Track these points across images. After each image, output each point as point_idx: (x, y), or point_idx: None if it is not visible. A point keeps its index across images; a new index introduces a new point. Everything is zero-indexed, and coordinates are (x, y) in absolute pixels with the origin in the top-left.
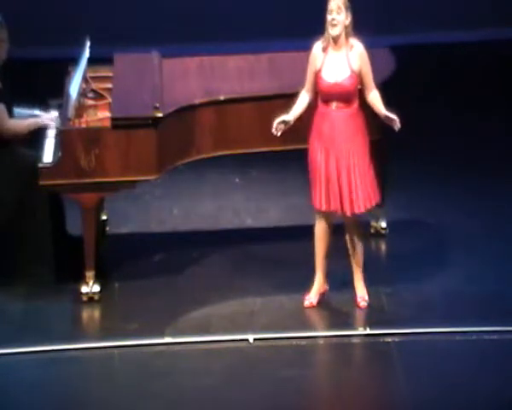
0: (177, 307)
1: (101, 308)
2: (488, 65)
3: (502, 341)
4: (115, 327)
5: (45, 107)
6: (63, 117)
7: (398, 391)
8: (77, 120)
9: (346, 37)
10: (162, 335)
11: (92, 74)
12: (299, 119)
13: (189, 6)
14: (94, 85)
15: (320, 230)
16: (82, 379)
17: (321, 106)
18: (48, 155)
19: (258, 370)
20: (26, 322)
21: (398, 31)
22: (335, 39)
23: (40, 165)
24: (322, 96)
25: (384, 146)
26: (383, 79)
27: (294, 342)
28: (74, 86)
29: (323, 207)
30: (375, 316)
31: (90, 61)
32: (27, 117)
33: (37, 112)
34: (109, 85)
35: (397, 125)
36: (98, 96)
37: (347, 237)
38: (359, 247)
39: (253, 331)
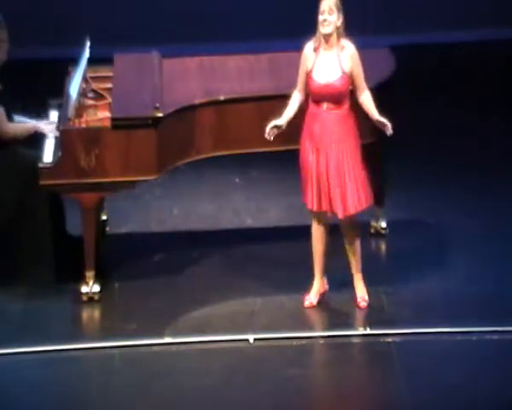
0: (177, 307)
1: (101, 308)
2: (488, 65)
3: (502, 341)
4: (115, 327)
5: (45, 110)
6: (63, 117)
7: (398, 391)
8: (77, 120)
9: (338, 38)
10: (162, 335)
11: (92, 74)
12: (298, 118)
13: (189, 6)
14: (94, 85)
15: (316, 230)
16: (82, 379)
17: (312, 106)
18: (48, 155)
19: (258, 370)
20: (26, 322)
21: (398, 31)
22: (327, 39)
23: (40, 165)
24: (313, 96)
25: (378, 148)
26: (383, 79)
27: (294, 342)
28: (74, 86)
29: (315, 208)
30: (375, 316)
31: (90, 61)
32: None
33: (34, 122)
34: (109, 85)
35: (389, 130)
36: (98, 96)
37: (344, 238)
38: (356, 247)
39: (253, 331)
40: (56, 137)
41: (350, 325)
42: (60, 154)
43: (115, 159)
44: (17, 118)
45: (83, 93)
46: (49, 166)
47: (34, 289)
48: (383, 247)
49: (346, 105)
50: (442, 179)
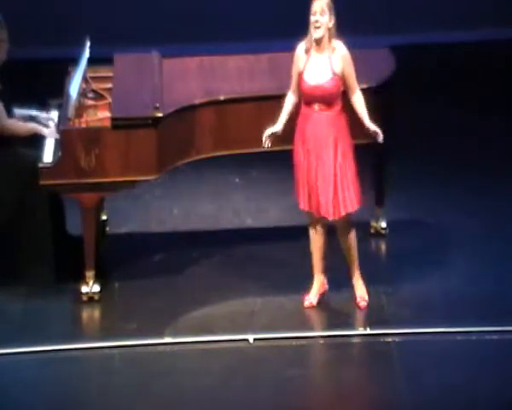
0: (177, 307)
1: (101, 308)
2: (488, 65)
3: (502, 341)
4: (115, 327)
5: (44, 107)
6: (63, 117)
7: (398, 391)
8: (77, 120)
9: (329, 39)
10: (162, 335)
11: (92, 74)
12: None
13: (189, 6)
14: (94, 85)
15: (314, 230)
16: (82, 379)
17: (304, 107)
18: (48, 155)
19: (258, 370)
20: (26, 322)
21: (398, 31)
22: (318, 42)
23: (40, 165)
24: (305, 97)
25: (379, 148)
26: (383, 79)
27: (294, 342)
28: (74, 86)
29: (306, 208)
30: (375, 316)
31: (90, 61)
32: (26, 117)
33: (34, 113)
34: (109, 85)
35: (380, 138)
36: (98, 96)
37: (339, 237)
38: (352, 246)
39: (253, 331)
40: (56, 139)
41: (350, 325)
42: (60, 154)
43: (115, 159)
44: (17, 111)
45: (83, 93)
46: (49, 166)
47: (34, 289)
48: (383, 247)
49: (338, 106)
50: (442, 179)
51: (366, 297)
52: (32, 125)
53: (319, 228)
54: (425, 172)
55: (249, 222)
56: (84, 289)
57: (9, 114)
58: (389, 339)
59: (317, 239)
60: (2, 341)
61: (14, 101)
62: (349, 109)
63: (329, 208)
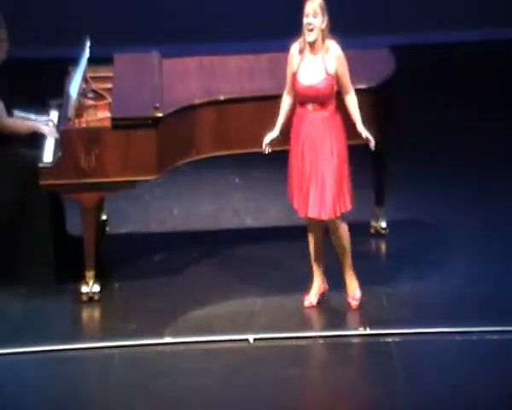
0: (177, 307)
1: (101, 308)
2: (488, 65)
3: (502, 341)
4: (115, 327)
5: (44, 108)
6: (63, 117)
7: (398, 391)
8: (77, 120)
9: (323, 39)
10: (162, 335)
11: (92, 74)
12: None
13: (189, 6)
14: (94, 85)
15: (312, 230)
16: (82, 379)
17: (298, 108)
18: (48, 155)
19: (258, 370)
20: (26, 322)
21: (398, 31)
22: (311, 44)
23: (40, 165)
24: (299, 98)
25: (379, 148)
26: (383, 79)
27: (294, 342)
28: (74, 86)
29: (296, 206)
30: (375, 316)
31: (90, 61)
32: (26, 119)
33: (33, 117)
34: (109, 85)
35: (371, 144)
36: (98, 96)
37: (331, 236)
38: (345, 246)
39: (253, 331)
40: (56, 139)
41: (350, 325)
42: (60, 154)
43: (115, 159)
44: (17, 113)
45: (83, 93)
46: (49, 166)
47: (34, 289)
48: (383, 247)
49: (332, 106)
50: (442, 179)
51: (357, 297)
52: (31, 123)
53: (318, 228)
54: (425, 172)
55: (249, 222)
56: (84, 289)
57: (9, 113)
58: (389, 339)
59: (315, 239)
60: (2, 341)
61: (14, 101)
62: (345, 109)
63: (324, 208)
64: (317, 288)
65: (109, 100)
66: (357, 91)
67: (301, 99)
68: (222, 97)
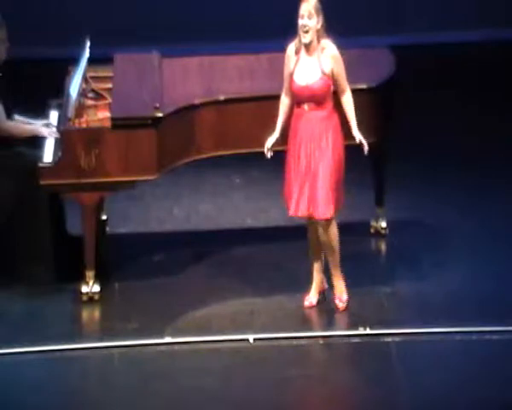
0: (177, 307)
1: (101, 308)
2: (488, 65)
3: (502, 341)
4: (115, 327)
5: (44, 112)
6: (63, 117)
7: (398, 391)
8: (77, 120)
9: (318, 39)
10: (162, 335)
11: (92, 74)
12: None
13: (189, 6)
14: (94, 85)
15: (311, 230)
16: (82, 379)
17: (295, 108)
18: (48, 155)
19: (258, 370)
20: (26, 322)
21: (398, 31)
22: (307, 46)
23: (40, 165)
24: (295, 98)
25: (379, 148)
26: (383, 79)
27: (294, 342)
28: (74, 86)
29: (289, 205)
30: (375, 316)
31: (90, 61)
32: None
33: (37, 122)
34: (109, 85)
35: (365, 149)
36: (98, 96)
37: (322, 237)
38: (335, 245)
39: (253, 331)
40: (56, 139)
41: (350, 325)
42: (60, 154)
43: (115, 159)
44: (17, 117)
45: (83, 93)
46: (49, 166)
47: (34, 289)
48: (383, 247)
49: (329, 106)
50: (442, 179)
51: (344, 299)
52: (31, 128)
53: (317, 227)
54: (425, 172)
55: (249, 222)
56: (84, 289)
57: (9, 116)
58: (389, 339)
59: (314, 238)
60: (2, 341)
61: (15, 101)
62: (342, 109)
63: (317, 208)
64: (317, 287)
65: (109, 100)
66: (357, 91)
67: (298, 99)
68: (222, 97)
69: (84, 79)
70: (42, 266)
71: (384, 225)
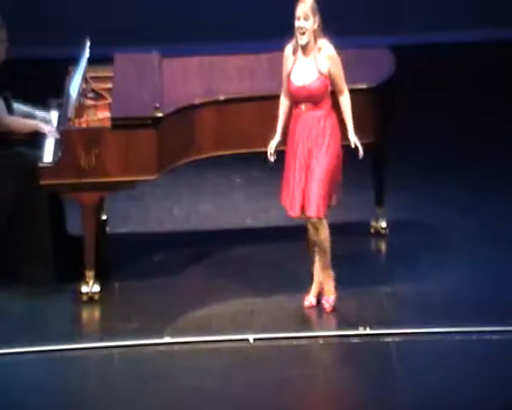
0: (177, 307)
1: (101, 308)
2: (488, 65)
3: (502, 341)
4: (115, 327)
5: (45, 107)
6: (63, 117)
7: (398, 391)
8: (77, 120)
9: (315, 39)
10: (162, 335)
11: (92, 74)
12: None
13: (189, 6)
14: (94, 85)
15: (311, 230)
16: (82, 379)
17: (293, 108)
18: (48, 155)
19: (258, 370)
20: (26, 322)
21: (398, 31)
22: (304, 47)
23: (40, 165)
24: (293, 98)
25: (379, 148)
26: (383, 79)
27: (294, 342)
28: (74, 86)
29: (283, 202)
30: (375, 316)
31: (90, 61)
32: (27, 114)
33: (37, 112)
34: (109, 85)
35: (360, 153)
36: (98, 96)
37: (313, 236)
38: (325, 247)
39: (253, 331)
40: (56, 139)
41: (350, 325)
42: (60, 154)
43: (115, 159)
44: (17, 105)
45: (83, 93)
46: (49, 165)
47: (34, 289)
48: (383, 247)
49: (326, 106)
50: (442, 179)
51: (331, 300)
52: (32, 123)
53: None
54: (425, 172)
55: (249, 222)
56: (84, 289)
57: (9, 110)
58: (389, 339)
59: (313, 239)
60: (2, 341)
61: (15, 101)
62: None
63: (309, 206)
64: (317, 288)
65: (109, 100)
66: (357, 91)
67: (295, 100)
68: (222, 97)
69: (84, 79)
70: (42, 266)
71: (384, 225)
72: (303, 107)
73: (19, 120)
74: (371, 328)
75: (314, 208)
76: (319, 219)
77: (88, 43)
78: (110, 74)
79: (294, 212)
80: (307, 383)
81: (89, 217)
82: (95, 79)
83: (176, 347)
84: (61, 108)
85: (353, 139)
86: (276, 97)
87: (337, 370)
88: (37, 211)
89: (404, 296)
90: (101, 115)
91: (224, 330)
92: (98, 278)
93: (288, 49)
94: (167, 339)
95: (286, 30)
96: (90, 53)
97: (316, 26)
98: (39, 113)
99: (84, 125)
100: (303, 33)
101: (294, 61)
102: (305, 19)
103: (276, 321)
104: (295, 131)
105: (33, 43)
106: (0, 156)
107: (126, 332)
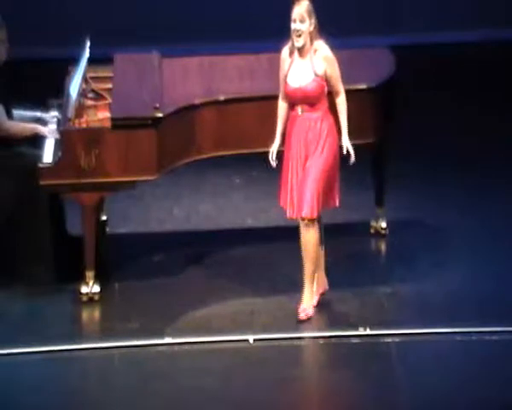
0: (177, 307)
1: (101, 308)
2: (488, 65)
3: (502, 341)
4: (115, 327)
5: (45, 108)
6: (63, 117)
7: (398, 391)
8: (77, 120)
9: (311, 41)
10: (162, 335)
11: (92, 74)
12: None
13: (189, 6)
14: (94, 85)
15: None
16: (82, 379)
17: (290, 110)
18: (48, 155)
19: (258, 370)
20: (26, 322)
21: (398, 31)
22: (300, 49)
23: (40, 165)
24: (289, 100)
25: (379, 148)
26: (383, 79)
27: (294, 342)
28: (74, 86)
29: (281, 204)
30: (375, 316)
31: (90, 61)
32: (28, 120)
33: (38, 113)
34: (109, 86)
35: (351, 159)
36: (98, 96)
37: (303, 239)
38: (311, 252)
39: (253, 331)
40: (56, 139)
41: (350, 325)
42: (60, 154)
43: (115, 159)
44: (16, 112)
45: (83, 93)
46: (49, 166)
47: (34, 289)
48: (383, 247)
49: (323, 108)
50: (442, 179)
51: (309, 312)
52: (31, 126)
53: (316, 228)
54: (425, 172)
55: (249, 222)
56: (84, 289)
57: (9, 115)
58: (389, 339)
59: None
60: (2, 341)
61: (15, 101)
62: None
63: (302, 207)
64: (317, 288)
65: (109, 100)
66: (357, 91)
67: (291, 101)
68: (222, 97)
69: (84, 79)
70: (42, 266)
71: (384, 225)
72: (299, 109)
73: (18, 124)
74: (371, 328)
75: (307, 209)
76: (311, 220)
77: (88, 43)
78: (110, 74)
79: (291, 213)
80: (307, 383)
81: (89, 217)
82: (95, 79)
83: (176, 347)
84: (61, 108)
85: (346, 144)
86: (276, 97)
87: (337, 370)
88: (37, 211)
89: (404, 296)
90: (101, 115)
91: (223, 331)
92: (98, 279)
93: (285, 51)
94: (167, 339)
95: (286, 30)
96: (90, 53)
97: (312, 28)
98: (44, 114)
99: (84, 126)
100: (299, 35)
101: (291, 63)
102: (301, 21)
103: (276, 321)
104: (292, 133)
105: (33, 43)
106: (0, 156)
107: (126, 332)
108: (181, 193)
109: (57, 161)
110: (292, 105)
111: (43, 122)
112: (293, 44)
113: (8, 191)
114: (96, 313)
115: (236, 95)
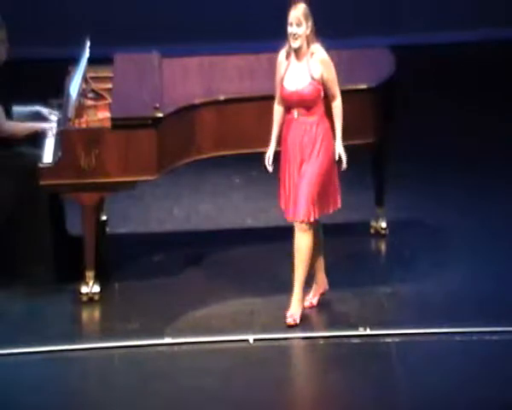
0: (177, 307)
1: (101, 308)
2: (488, 65)
3: (502, 341)
4: (115, 327)
5: (45, 104)
6: (63, 117)
7: (398, 391)
8: (77, 120)
9: (308, 45)
10: (162, 335)
11: (92, 74)
12: None
13: (189, 6)
14: (94, 85)
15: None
16: (82, 379)
17: (286, 114)
18: (48, 155)
19: (258, 370)
20: (26, 322)
21: (398, 31)
22: (297, 51)
23: (40, 165)
24: (285, 103)
25: (379, 148)
26: (383, 79)
27: (294, 342)
28: (74, 86)
29: (281, 204)
30: (375, 316)
31: (90, 61)
32: (28, 116)
33: (37, 108)
34: (109, 86)
35: (343, 165)
36: (98, 96)
37: (295, 245)
38: (303, 258)
39: (253, 331)
40: (56, 136)
41: (350, 325)
42: (60, 154)
43: (115, 159)
44: (15, 108)
45: (83, 93)
46: (49, 166)
47: (34, 289)
48: (383, 247)
49: (319, 111)
50: (442, 179)
51: (297, 318)
52: (30, 125)
53: (316, 228)
54: (425, 172)
55: (249, 222)
56: (84, 289)
57: (9, 115)
58: (389, 339)
59: (315, 239)
60: (2, 341)
61: (15, 101)
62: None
63: (297, 210)
64: (317, 288)
65: (109, 100)
66: (357, 91)
67: (287, 105)
68: (222, 97)
69: (84, 79)
70: (42, 266)
71: (384, 225)
72: (295, 112)
73: (18, 124)
74: (371, 328)
75: (302, 212)
76: (306, 223)
77: (88, 43)
78: (110, 74)
79: (289, 216)
80: (307, 383)
81: (89, 217)
82: (95, 79)
83: (176, 347)
84: (61, 108)
85: (339, 150)
86: None
87: (337, 370)
88: (37, 211)
89: (404, 296)
90: (101, 115)
91: (223, 331)
92: (98, 279)
93: (281, 55)
94: (167, 339)
95: (286, 30)
96: (90, 53)
97: (308, 32)
98: (43, 109)
99: (84, 126)
100: (296, 39)
101: (287, 66)
102: (298, 25)
103: (276, 321)
104: (288, 137)
105: (33, 43)
106: (0, 156)
107: (126, 333)
108: (181, 193)
109: (57, 161)
110: (288, 108)
111: (42, 117)
112: (289, 47)
113: (8, 191)
114: (96, 313)
115: (236, 95)
